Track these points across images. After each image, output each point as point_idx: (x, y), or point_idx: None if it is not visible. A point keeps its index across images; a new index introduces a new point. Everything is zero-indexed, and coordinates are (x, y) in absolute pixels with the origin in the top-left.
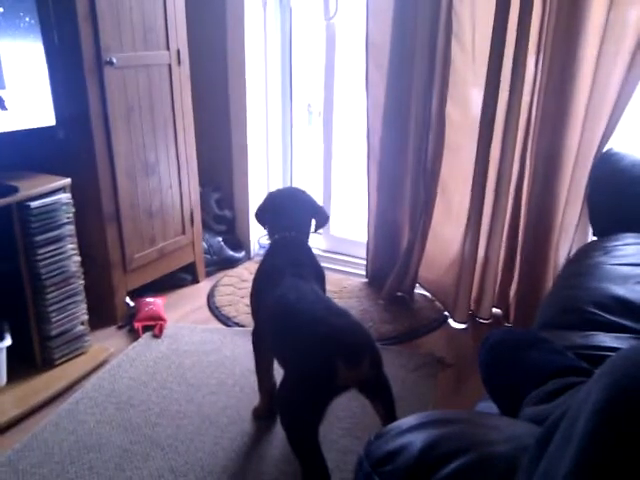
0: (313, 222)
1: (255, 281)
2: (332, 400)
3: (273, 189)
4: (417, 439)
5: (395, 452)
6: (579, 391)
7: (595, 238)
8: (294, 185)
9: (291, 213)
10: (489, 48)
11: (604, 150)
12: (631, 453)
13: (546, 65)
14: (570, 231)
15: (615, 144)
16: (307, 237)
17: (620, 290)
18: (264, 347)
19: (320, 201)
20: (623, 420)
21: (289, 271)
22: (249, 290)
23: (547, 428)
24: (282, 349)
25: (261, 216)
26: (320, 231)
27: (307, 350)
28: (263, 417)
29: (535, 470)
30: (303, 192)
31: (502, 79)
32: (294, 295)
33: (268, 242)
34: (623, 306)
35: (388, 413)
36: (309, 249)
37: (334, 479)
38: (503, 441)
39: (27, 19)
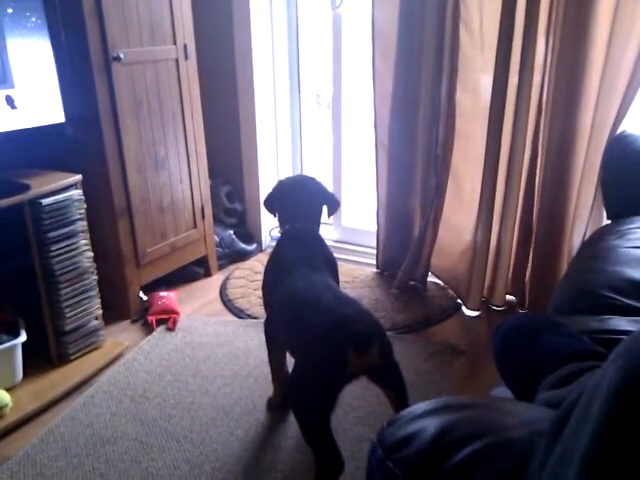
0: (325, 209)
1: (266, 272)
2: (342, 388)
3: (280, 179)
4: (431, 424)
5: (408, 438)
6: (594, 374)
7: (609, 221)
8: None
9: (301, 201)
10: (497, 32)
11: (617, 132)
12: None
13: (556, 46)
14: (584, 215)
15: (628, 126)
16: (318, 226)
17: (635, 273)
18: (276, 338)
19: (330, 189)
20: (639, 400)
21: (300, 262)
22: (261, 282)
23: (562, 411)
24: (292, 339)
25: (271, 204)
26: (330, 220)
27: (316, 338)
28: (277, 407)
29: (551, 453)
30: (313, 179)
31: (512, 63)
32: (304, 285)
33: (279, 233)
34: (638, 289)
35: (400, 400)
36: (320, 239)
37: (349, 468)
38: (518, 425)
39: (33, 19)
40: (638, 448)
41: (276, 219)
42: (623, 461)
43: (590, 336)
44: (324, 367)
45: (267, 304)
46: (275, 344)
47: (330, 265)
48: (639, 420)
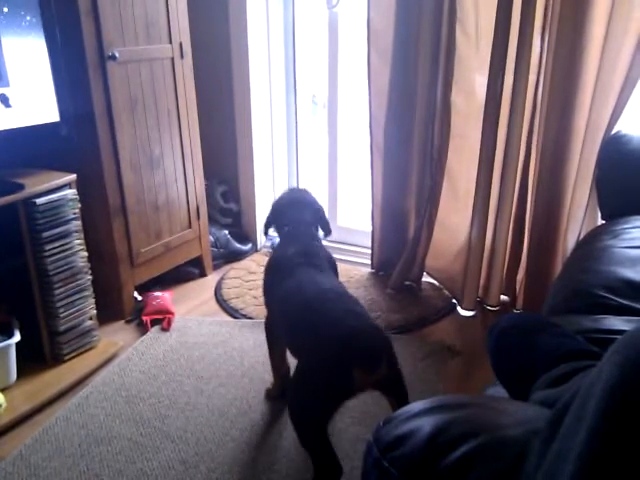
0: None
1: (267, 272)
2: (345, 403)
3: (277, 196)
4: (426, 423)
5: (404, 436)
6: (590, 372)
7: (604, 221)
8: (299, 186)
9: (297, 210)
10: (493, 32)
11: (612, 132)
12: None
13: (552, 46)
14: (579, 215)
15: (623, 126)
16: (316, 229)
17: (630, 273)
18: (277, 335)
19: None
20: (636, 396)
21: (302, 261)
22: (256, 282)
23: (558, 410)
24: (295, 343)
25: (269, 227)
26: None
27: (322, 355)
28: (276, 398)
29: (547, 452)
30: (304, 197)
31: (507, 63)
32: (312, 290)
33: (276, 235)
34: (633, 289)
35: (400, 406)
36: (319, 240)
37: (344, 468)
38: (514, 425)
39: (28, 18)
40: (636, 445)
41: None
42: (621, 458)
43: (584, 336)
44: (328, 385)
45: (268, 304)
46: (276, 342)
47: (331, 265)
48: (636, 417)
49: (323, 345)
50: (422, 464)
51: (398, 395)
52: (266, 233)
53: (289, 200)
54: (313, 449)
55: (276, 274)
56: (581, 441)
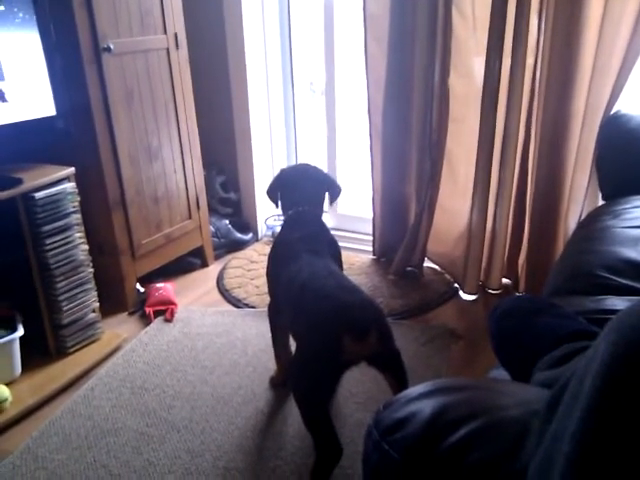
0: (327, 196)
1: (271, 257)
2: (342, 374)
3: (282, 167)
4: (426, 406)
5: (404, 420)
6: (587, 352)
7: (604, 202)
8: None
9: (303, 188)
10: (490, 13)
11: (611, 112)
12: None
13: (549, 26)
14: (579, 196)
15: (623, 105)
16: (321, 212)
17: (631, 253)
18: (280, 322)
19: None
20: (631, 375)
21: (304, 247)
22: (258, 272)
23: (557, 390)
24: (294, 324)
25: (273, 193)
26: (326, 208)
27: (314, 325)
28: (279, 385)
29: (545, 432)
30: (315, 167)
31: (505, 45)
32: (307, 272)
33: (281, 219)
34: (634, 269)
35: (401, 387)
36: (323, 224)
37: (348, 452)
38: (514, 406)
39: (21, 14)
40: (630, 423)
41: (278, 209)
42: (615, 436)
43: (586, 316)
44: (321, 354)
45: (271, 289)
46: (278, 328)
47: (332, 250)
48: (631, 394)
49: (314, 318)
50: (422, 446)
51: (397, 375)
52: (277, 205)
53: (296, 175)
54: (315, 429)
55: (278, 261)
56: (576, 420)
